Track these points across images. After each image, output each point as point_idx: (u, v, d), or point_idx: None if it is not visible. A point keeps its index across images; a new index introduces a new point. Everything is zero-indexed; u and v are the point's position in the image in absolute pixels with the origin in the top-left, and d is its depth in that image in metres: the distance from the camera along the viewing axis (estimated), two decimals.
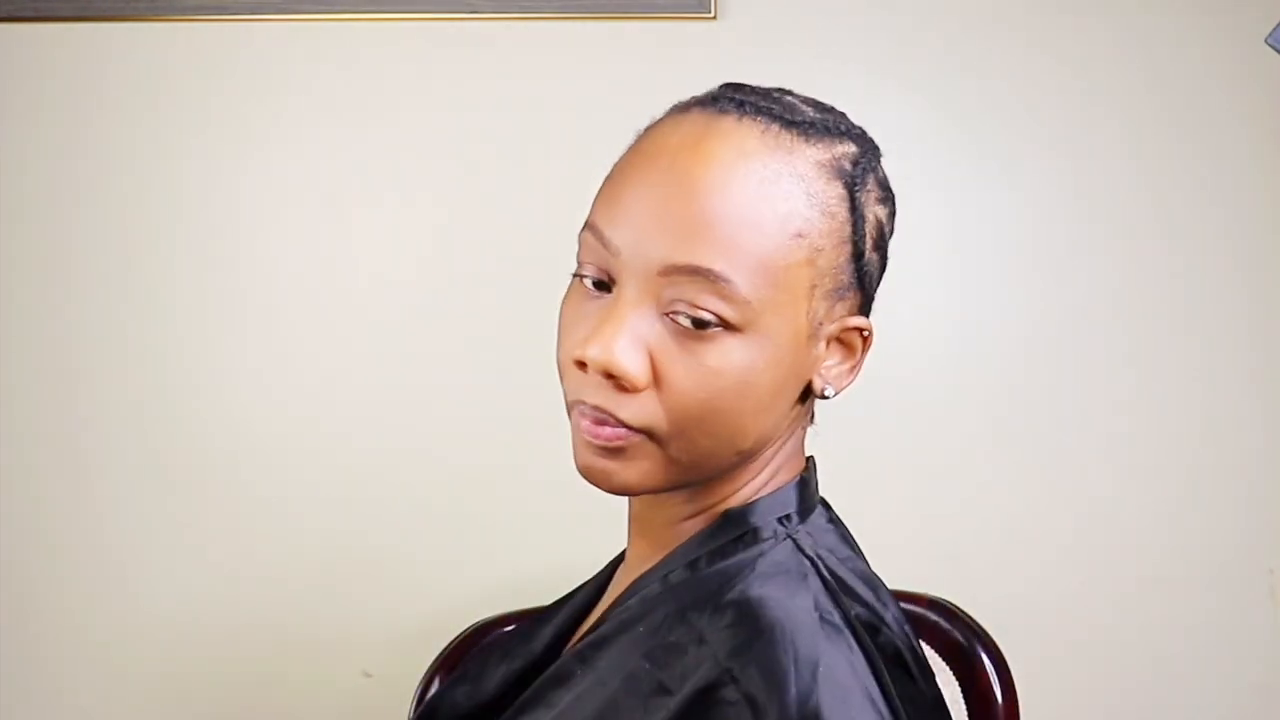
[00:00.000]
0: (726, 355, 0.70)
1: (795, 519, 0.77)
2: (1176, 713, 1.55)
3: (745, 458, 0.76)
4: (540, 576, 1.39)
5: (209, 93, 1.49)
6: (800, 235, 0.71)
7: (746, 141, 0.71)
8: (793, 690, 0.66)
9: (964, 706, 1.09)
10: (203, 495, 1.52)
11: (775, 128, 0.72)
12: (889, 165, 0.80)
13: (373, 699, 1.52)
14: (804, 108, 0.76)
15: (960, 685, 1.10)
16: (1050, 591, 1.53)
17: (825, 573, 0.73)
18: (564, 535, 1.46)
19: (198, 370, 1.52)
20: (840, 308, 0.75)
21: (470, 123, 1.50)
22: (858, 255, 0.74)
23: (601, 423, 0.72)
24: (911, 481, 1.53)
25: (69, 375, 1.51)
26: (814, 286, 0.72)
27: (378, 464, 1.52)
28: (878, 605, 0.77)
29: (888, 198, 0.78)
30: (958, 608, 1.13)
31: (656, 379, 0.71)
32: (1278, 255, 1.53)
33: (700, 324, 0.70)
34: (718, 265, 0.69)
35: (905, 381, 1.51)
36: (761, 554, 0.74)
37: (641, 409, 0.71)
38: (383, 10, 1.47)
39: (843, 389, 0.77)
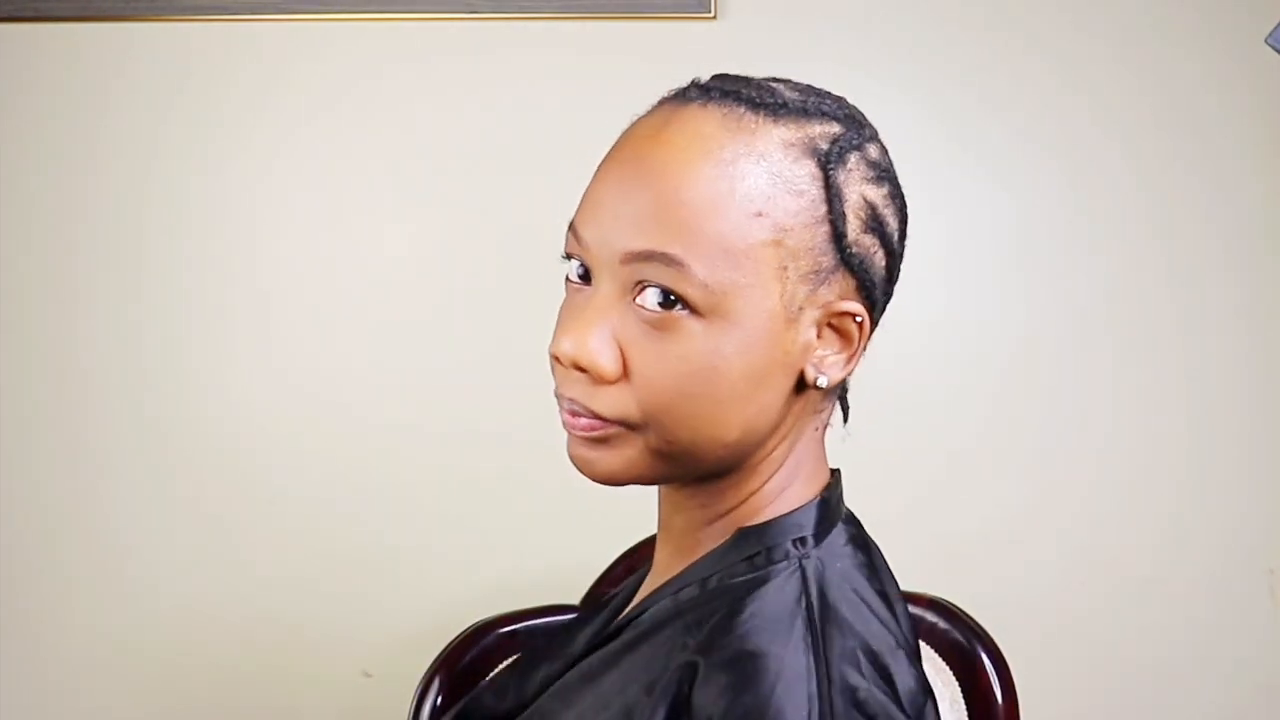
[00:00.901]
0: (691, 341, 0.70)
1: (810, 542, 0.75)
2: (1176, 713, 1.55)
3: (738, 453, 0.75)
4: (540, 576, 1.40)
5: (209, 92, 1.49)
6: (761, 214, 0.69)
7: (705, 125, 0.71)
8: None
9: (964, 706, 1.09)
10: (202, 496, 1.52)
11: (740, 110, 0.72)
12: None
13: (373, 699, 1.52)
14: (784, 92, 0.74)
15: (960, 685, 1.10)
16: (1050, 591, 1.53)
17: (816, 615, 0.71)
18: (564, 535, 1.47)
19: (198, 371, 1.52)
20: (826, 291, 0.72)
21: (470, 122, 1.50)
22: (838, 236, 0.72)
23: (577, 414, 0.73)
24: (911, 481, 1.53)
25: (70, 374, 1.51)
26: (785, 268, 0.70)
27: (378, 464, 1.52)
28: (884, 653, 0.72)
29: (883, 179, 0.75)
30: (958, 608, 1.13)
31: (627, 369, 0.71)
32: (1276, 255, 1.53)
33: (666, 306, 0.69)
34: (673, 249, 0.69)
35: (906, 382, 1.51)
36: (767, 579, 0.73)
37: (615, 400, 0.71)
38: (383, 10, 1.47)
39: (838, 379, 0.75)
